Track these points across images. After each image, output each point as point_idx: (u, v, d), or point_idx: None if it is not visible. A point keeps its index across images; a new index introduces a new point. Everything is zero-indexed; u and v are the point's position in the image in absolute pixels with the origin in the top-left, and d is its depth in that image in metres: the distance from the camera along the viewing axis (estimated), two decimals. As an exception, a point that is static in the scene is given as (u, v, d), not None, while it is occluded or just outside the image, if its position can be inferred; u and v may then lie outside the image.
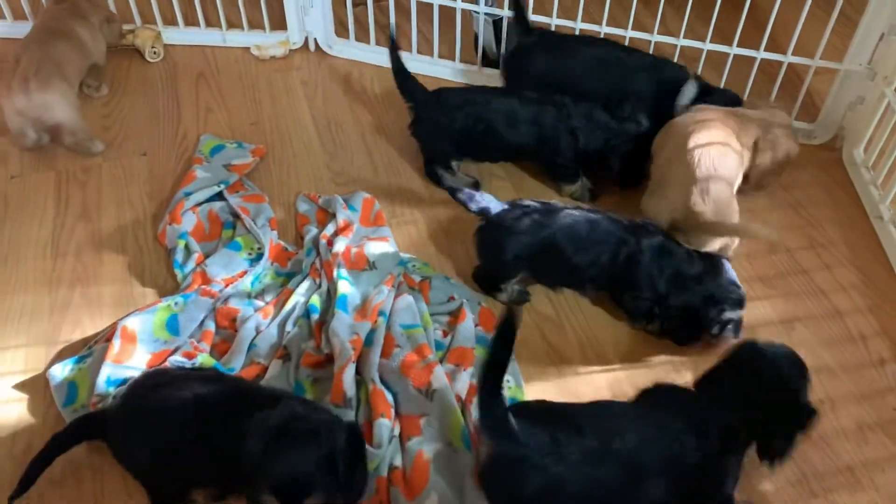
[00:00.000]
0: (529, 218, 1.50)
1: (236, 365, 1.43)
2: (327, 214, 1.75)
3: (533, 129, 1.72)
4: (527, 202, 1.54)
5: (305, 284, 1.57)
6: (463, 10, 2.02)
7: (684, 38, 1.89)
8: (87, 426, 1.27)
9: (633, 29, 1.92)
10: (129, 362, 1.42)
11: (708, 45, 1.89)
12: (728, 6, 1.82)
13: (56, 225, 1.73)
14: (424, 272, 1.62)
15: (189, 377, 1.25)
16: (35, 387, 1.44)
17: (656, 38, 1.91)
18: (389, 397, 1.35)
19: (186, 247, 1.64)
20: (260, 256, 1.63)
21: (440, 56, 2.13)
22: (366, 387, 1.37)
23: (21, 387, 1.45)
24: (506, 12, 1.97)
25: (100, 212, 1.77)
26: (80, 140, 1.85)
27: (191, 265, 1.60)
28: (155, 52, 2.16)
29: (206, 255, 1.63)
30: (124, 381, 1.40)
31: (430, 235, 1.73)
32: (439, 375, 1.37)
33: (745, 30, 1.83)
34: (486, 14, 2.01)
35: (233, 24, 2.20)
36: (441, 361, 1.42)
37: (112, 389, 1.38)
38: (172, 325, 1.49)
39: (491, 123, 1.72)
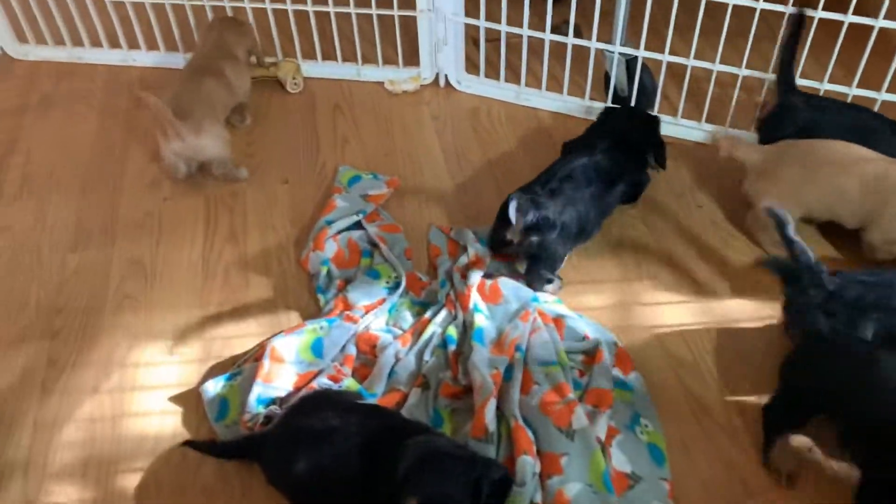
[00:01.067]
0: None
1: (378, 391, 1.48)
2: (458, 246, 1.79)
3: None
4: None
5: (442, 315, 1.61)
6: (597, 50, 2.04)
7: (828, 83, 1.86)
8: (248, 446, 1.34)
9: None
10: (277, 382, 1.49)
11: (855, 91, 1.85)
12: (876, 53, 1.78)
13: (206, 247, 1.84)
14: (558, 309, 1.64)
15: (346, 405, 1.29)
16: (188, 401, 1.53)
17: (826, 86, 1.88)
18: (531, 434, 1.37)
19: (328, 273, 1.71)
20: (397, 285, 1.68)
21: (567, 94, 2.16)
22: (507, 422, 1.39)
23: (176, 400, 1.54)
24: (641, 52, 1.98)
25: (246, 235, 1.86)
26: (227, 171, 1.97)
27: (332, 290, 1.67)
28: (296, 84, 2.27)
29: (347, 282, 1.69)
30: (272, 401, 1.47)
31: (562, 272, 1.75)
32: (580, 415, 1.38)
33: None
34: (620, 54, 2.03)
35: (367, 59, 2.30)
36: (579, 401, 1.42)
37: (262, 408, 1.45)
38: (317, 348, 1.55)
39: None
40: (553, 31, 2.06)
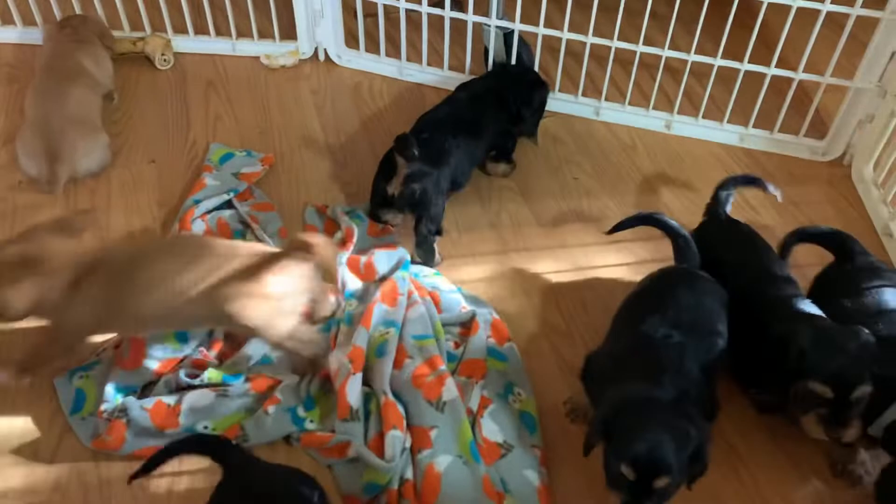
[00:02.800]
0: None
1: (240, 374, 1.42)
2: (335, 225, 1.74)
3: None
4: None
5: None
6: (474, 24, 2.03)
7: (694, 54, 1.90)
8: (204, 445, 1.24)
9: (643, 44, 1.93)
10: (138, 370, 1.41)
11: (719, 61, 1.90)
12: (738, 25, 1.83)
13: (64, 231, 1.72)
14: (436, 282, 1.62)
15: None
16: (41, 393, 1.42)
17: (667, 52, 1.92)
18: (401, 409, 1.34)
19: (195, 254, 1.63)
20: (269, 265, 1.62)
21: (450, 68, 2.14)
22: (377, 399, 1.36)
23: (27, 393, 1.43)
24: (517, 25, 1.98)
25: (109, 218, 1.76)
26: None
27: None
28: (165, 60, 2.16)
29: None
30: (134, 390, 1.39)
31: (439, 245, 1.73)
32: (451, 387, 1.37)
33: (755, 48, 1.84)
34: (497, 27, 2.01)
35: (242, 33, 2.21)
36: (453, 373, 1.41)
37: (120, 397, 1.38)
38: (182, 334, 1.48)
39: None
40: (431, 4, 2.03)
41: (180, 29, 2.20)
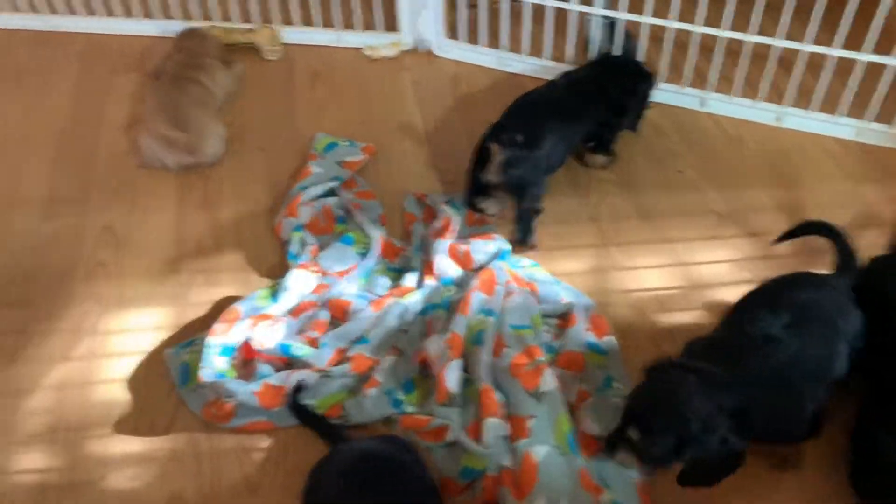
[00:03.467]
0: None
1: (328, 350, 1.47)
2: (434, 213, 1.77)
3: None
4: None
5: (418, 282, 1.60)
6: (578, 13, 2.00)
7: (810, 44, 1.82)
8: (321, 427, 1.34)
9: (754, 33, 1.86)
10: (230, 334, 1.48)
11: (837, 52, 1.81)
12: (858, 14, 1.74)
13: (179, 214, 1.81)
14: (535, 273, 1.62)
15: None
16: (158, 367, 1.51)
17: (780, 42, 1.85)
18: (499, 397, 1.35)
19: (301, 239, 1.69)
20: (371, 251, 1.66)
21: (551, 58, 2.12)
22: (475, 386, 1.38)
23: (146, 366, 1.52)
24: (622, 14, 1.94)
25: (219, 203, 1.84)
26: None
27: (305, 257, 1.64)
28: (274, 51, 2.24)
29: (320, 248, 1.67)
30: (232, 349, 1.47)
31: (537, 236, 1.72)
32: (549, 378, 1.37)
33: (876, 37, 1.75)
34: (601, 17, 1.98)
35: (347, 24, 2.26)
36: (551, 365, 1.41)
37: (224, 357, 1.45)
38: (274, 298, 1.56)
39: None
40: (534, -6, 2.02)
41: (288, 21, 2.27)
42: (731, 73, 1.97)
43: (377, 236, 1.68)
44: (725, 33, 1.88)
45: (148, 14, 2.31)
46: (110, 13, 2.32)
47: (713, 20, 1.88)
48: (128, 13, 2.32)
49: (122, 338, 1.57)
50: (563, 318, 1.52)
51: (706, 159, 1.89)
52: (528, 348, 1.41)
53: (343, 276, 1.60)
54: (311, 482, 1.18)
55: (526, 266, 1.64)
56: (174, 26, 2.24)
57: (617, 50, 1.98)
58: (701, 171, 1.87)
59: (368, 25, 2.25)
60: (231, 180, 1.90)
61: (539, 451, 1.28)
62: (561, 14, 2.03)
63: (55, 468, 1.37)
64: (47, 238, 1.77)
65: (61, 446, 1.41)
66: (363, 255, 1.66)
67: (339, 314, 1.56)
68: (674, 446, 1.11)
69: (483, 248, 1.64)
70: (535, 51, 2.14)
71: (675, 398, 1.12)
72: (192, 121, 1.88)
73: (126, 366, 1.52)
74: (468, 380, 1.40)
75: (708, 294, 1.60)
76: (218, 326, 1.49)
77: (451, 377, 1.37)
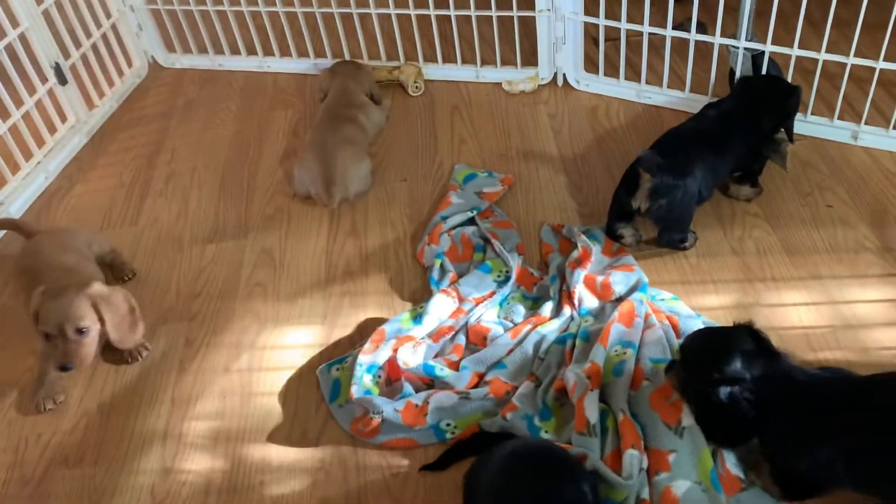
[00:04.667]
0: None
1: (465, 374, 1.52)
2: (570, 244, 1.79)
3: None
4: None
5: (555, 311, 1.63)
6: (721, 45, 1.99)
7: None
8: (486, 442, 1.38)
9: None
10: (377, 353, 1.56)
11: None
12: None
13: (329, 240, 1.93)
14: (675, 307, 1.61)
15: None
16: (310, 381, 1.61)
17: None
18: (639, 429, 1.35)
19: (442, 266, 1.75)
20: (508, 279, 1.71)
21: (692, 91, 2.11)
22: (614, 417, 1.38)
23: (298, 380, 1.63)
24: (768, 46, 1.91)
25: (366, 230, 1.95)
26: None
27: (445, 283, 1.71)
28: (417, 87, 2.35)
29: (459, 275, 1.74)
30: (377, 368, 1.55)
31: (678, 269, 1.71)
32: (688, 413, 1.35)
33: None
34: (745, 49, 1.96)
35: (486, 60, 2.34)
36: (692, 399, 1.39)
37: (370, 375, 1.53)
38: (417, 320, 1.63)
39: None
40: (675, 28, 2.03)
41: (430, 58, 2.38)
42: (889, 107, 1.89)
43: (514, 265, 1.72)
44: (881, 64, 1.81)
45: (302, 53, 2.48)
46: (267, 53, 2.52)
47: (867, 52, 1.82)
48: (284, 52, 2.51)
49: (277, 353, 1.69)
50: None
51: (858, 194, 1.82)
52: (668, 382, 1.40)
53: (481, 303, 1.65)
54: (468, 484, 1.24)
55: (666, 299, 1.63)
56: (325, 64, 2.40)
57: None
58: (853, 207, 1.79)
59: (507, 61, 2.32)
60: (377, 209, 2.00)
61: (680, 486, 1.26)
62: (703, 46, 2.02)
63: (217, 470, 1.49)
64: (212, 260, 1.93)
65: (222, 451, 1.53)
66: (501, 283, 1.71)
67: (478, 339, 1.61)
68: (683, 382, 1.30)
69: (623, 279, 1.65)
70: (676, 83, 2.14)
71: (722, 344, 1.25)
72: (338, 160, 1.96)
73: (280, 379, 1.63)
74: (606, 410, 1.40)
75: (861, 334, 1.53)
76: (367, 346, 1.58)
77: (591, 406, 1.38)
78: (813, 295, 1.62)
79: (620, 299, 1.61)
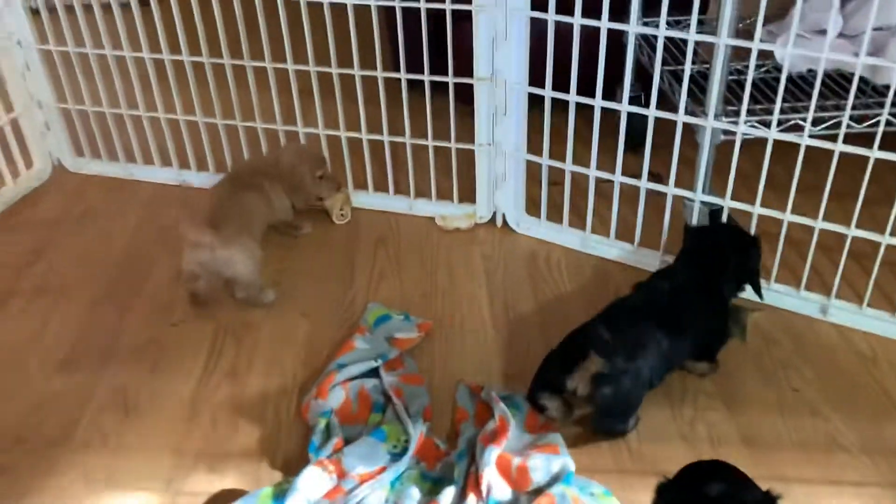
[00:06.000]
0: None
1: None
2: (489, 410, 1.47)
3: None
4: None
5: (457, 500, 1.28)
6: (675, 197, 1.78)
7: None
8: None
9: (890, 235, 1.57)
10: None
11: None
12: None
13: (201, 382, 1.60)
14: (600, 500, 1.28)
15: None
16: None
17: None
18: None
19: (328, 426, 1.42)
20: (405, 451, 1.37)
21: (640, 244, 1.88)
22: None
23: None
24: (727, 202, 1.71)
25: (248, 372, 1.62)
26: (251, 294, 1.78)
27: (327, 451, 1.37)
28: (343, 215, 2.10)
29: (347, 441, 1.40)
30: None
31: (613, 454, 1.39)
32: None
33: None
34: (702, 203, 1.75)
35: (421, 192, 2.12)
36: None
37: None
38: (278, 500, 1.27)
39: None
40: (626, 174, 1.82)
41: (360, 184, 2.16)
42: (861, 280, 1.67)
43: (416, 434, 1.39)
44: (853, 231, 1.60)
45: (220, 167, 2.24)
46: (183, 165, 2.28)
47: (837, 217, 1.61)
48: (201, 166, 2.27)
49: (96, 529, 1.31)
50: (639, 574, 1.16)
51: (828, 378, 1.55)
52: None
53: (367, 482, 1.31)
54: None
55: (597, 494, 1.30)
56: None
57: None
58: (822, 393, 1.52)
59: (443, 194, 2.10)
60: (267, 347, 1.69)
61: None
62: (656, 197, 1.82)
63: None
64: (53, 395, 1.58)
65: None
66: (396, 455, 1.37)
67: (356, 531, 1.25)
68: None
69: (544, 464, 1.32)
70: (625, 234, 1.91)
71: None
72: (228, 223, 1.73)
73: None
74: None
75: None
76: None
77: None
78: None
79: (539, 491, 1.28)
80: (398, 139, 2.03)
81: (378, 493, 1.30)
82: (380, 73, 1.94)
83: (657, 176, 1.86)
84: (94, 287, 1.89)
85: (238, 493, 1.32)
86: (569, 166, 1.87)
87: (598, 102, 1.75)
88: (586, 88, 1.75)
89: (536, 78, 1.81)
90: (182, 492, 1.36)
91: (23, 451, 1.45)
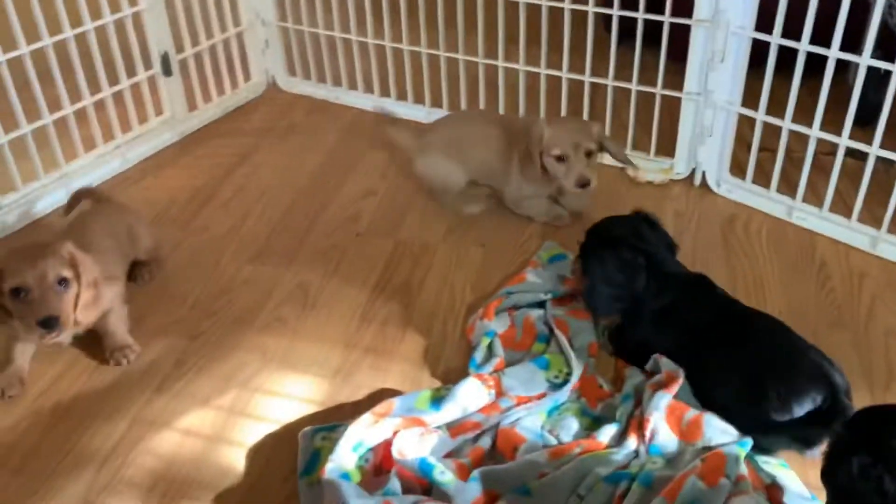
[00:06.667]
0: None
1: (473, 488, 1.13)
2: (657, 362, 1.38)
3: None
4: None
5: (618, 439, 1.22)
6: (909, 168, 1.57)
7: None
8: None
9: None
10: (375, 429, 1.22)
11: None
12: None
13: (375, 290, 1.64)
14: (779, 474, 1.15)
15: None
16: (289, 444, 1.28)
17: None
18: None
19: (490, 346, 1.40)
20: (566, 383, 1.32)
21: (859, 220, 1.68)
22: None
23: (277, 438, 1.30)
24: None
25: (420, 289, 1.63)
26: (447, 200, 1.87)
27: (487, 368, 1.35)
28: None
29: (508, 364, 1.37)
30: (369, 449, 1.21)
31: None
32: None
33: None
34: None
35: (616, 139, 2.02)
36: None
37: (355, 454, 1.19)
38: (435, 404, 1.27)
39: None
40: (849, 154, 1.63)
41: (553, 127, 2.10)
42: None
43: (580, 367, 1.34)
44: None
45: (419, 99, 2.28)
46: (384, 93, 2.33)
47: None
48: (400, 96, 2.31)
49: (267, 400, 1.38)
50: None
51: None
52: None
53: (524, 404, 1.27)
54: None
55: (772, 463, 1.18)
56: (437, 113, 2.17)
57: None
58: None
59: (639, 146, 1.99)
60: (441, 269, 1.69)
61: None
62: (883, 176, 1.61)
63: (135, 520, 1.18)
64: (244, 281, 1.68)
65: (157, 494, 1.21)
66: (557, 385, 1.33)
67: (507, 448, 1.22)
68: None
69: (721, 423, 1.21)
70: (840, 208, 1.71)
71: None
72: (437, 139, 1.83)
73: (257, 431, 1.32)
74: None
75: None
76: (365, 417, 1.24)
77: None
78: None
79: (709, 448, 1.18)
80: (600, 80, 1.95)
81: (534, 418, 1.27)
82: (591, 8, 1.86)
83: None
84: (288, 193, 1.99)
85: (397, 393, 1.34)
86: (787, 123, 1.70)
87: (833, 53, 1.57)
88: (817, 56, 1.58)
89: (762, 26, 1.65)
90: (347, 382, 1.40)
91: (213, 324, 1.56)
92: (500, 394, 1.30)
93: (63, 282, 1.33)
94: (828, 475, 0.98)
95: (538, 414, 1.27)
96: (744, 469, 1.14)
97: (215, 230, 1.86)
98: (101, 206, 1.67)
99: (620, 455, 1.18)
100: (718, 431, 1.20)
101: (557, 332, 1.42)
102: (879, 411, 0.99)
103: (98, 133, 2.03)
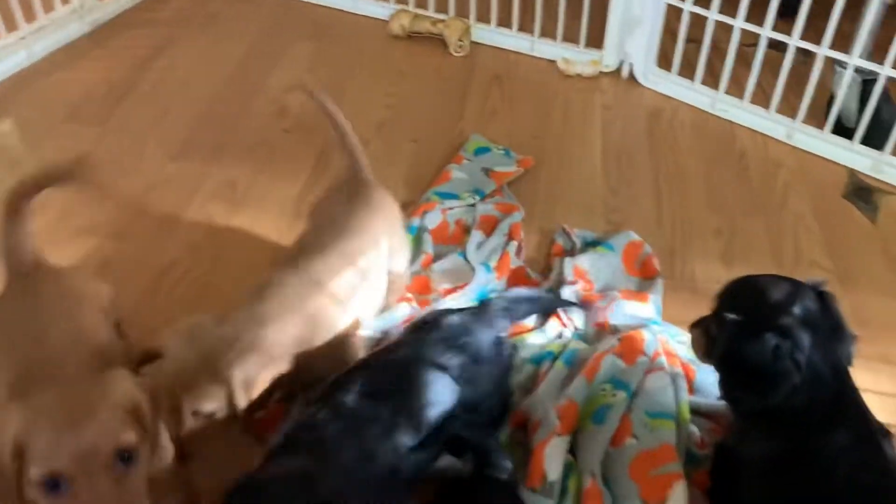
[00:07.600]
0: None
1: None
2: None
3: None
4: None
5: (541, 322, 1.27)
6: (825, 65, 1.61)
7: None
8: None
9: None
10: None
11: None
12: None
13: (305, 188, 1.62)
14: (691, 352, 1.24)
15: None
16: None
17: None
18: (609, 502, 0.99)
19: (417, 240, 1.42)
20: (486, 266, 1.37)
21: (778, 111, 1.74)
22: (578, 478, 1.02)
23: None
24: (886, 70, 1.53)
25: (351, 184, 1.63)
26: None
27: (415, 266, 1.37)
28: (460, 46, 2.03)
29: (436, 258, 1.40)
30: None
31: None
32: (680, 494, 0.98)
33: None
34: (855, 70, 1.58)
35: (546, 32, 2.01)
36: (689, 478, 1.02)
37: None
38: None
39: None
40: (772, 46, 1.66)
41: (483, 18, 2.06)
42: None
43: (503, 252, 1.38)
44: None
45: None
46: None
47: None
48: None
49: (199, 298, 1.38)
50: (719, 420, 1.12)
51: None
52: (662, 446, 1.04)
53: (449, 295, 1.31)
54: None
55: (687, 342, 1.26)
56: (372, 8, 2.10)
57: (866, 115, 1.56)
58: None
59: (569, 37, 1.98)
60: (373, 165, 1.66)
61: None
62: (801, 68, 1.65)
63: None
64: (167, 178, 1.64)
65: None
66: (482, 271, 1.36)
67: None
68: None
69: (633, 309, 1.28)
70: (760, 100, 1.76)
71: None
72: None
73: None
74: (571, 465, 1.04)
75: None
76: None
77: (553, 458, 1.02)
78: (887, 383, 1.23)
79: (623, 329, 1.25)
80: (530, -31, 1.91)
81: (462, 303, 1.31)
82: None
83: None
84: (211, 85, 1.92)
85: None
86: (713, 14, 1.71)
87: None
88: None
89: None
90: (279, 280, 1.40)
91: (136, 226, 1.52)
92: (428, 291, 1.33)
93: (126, 455, 0.78)
94: (728, 355, 0.95)
95: (466, 302, 1.31)
96: (660, 347, 1.22)
97: (135, 126, 1.79)
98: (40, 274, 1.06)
99: (544, 337, 1.24)
100: (628, 318, 1.27)
101: (474, 230, 1.44)
102: (758, 283, 0.96)
103: (-1, 22, 1.90)
